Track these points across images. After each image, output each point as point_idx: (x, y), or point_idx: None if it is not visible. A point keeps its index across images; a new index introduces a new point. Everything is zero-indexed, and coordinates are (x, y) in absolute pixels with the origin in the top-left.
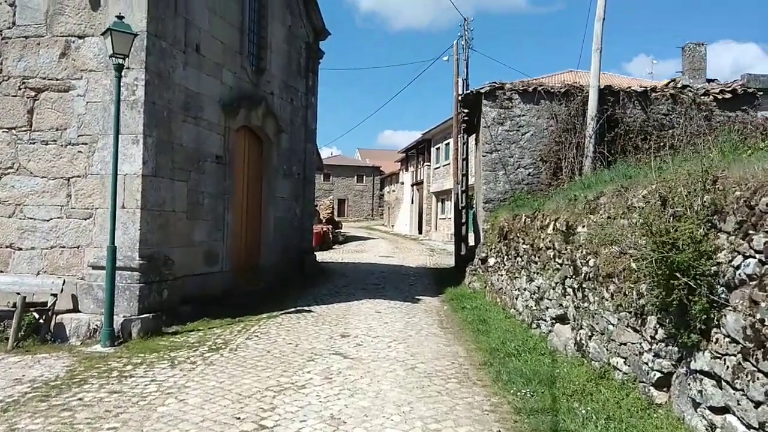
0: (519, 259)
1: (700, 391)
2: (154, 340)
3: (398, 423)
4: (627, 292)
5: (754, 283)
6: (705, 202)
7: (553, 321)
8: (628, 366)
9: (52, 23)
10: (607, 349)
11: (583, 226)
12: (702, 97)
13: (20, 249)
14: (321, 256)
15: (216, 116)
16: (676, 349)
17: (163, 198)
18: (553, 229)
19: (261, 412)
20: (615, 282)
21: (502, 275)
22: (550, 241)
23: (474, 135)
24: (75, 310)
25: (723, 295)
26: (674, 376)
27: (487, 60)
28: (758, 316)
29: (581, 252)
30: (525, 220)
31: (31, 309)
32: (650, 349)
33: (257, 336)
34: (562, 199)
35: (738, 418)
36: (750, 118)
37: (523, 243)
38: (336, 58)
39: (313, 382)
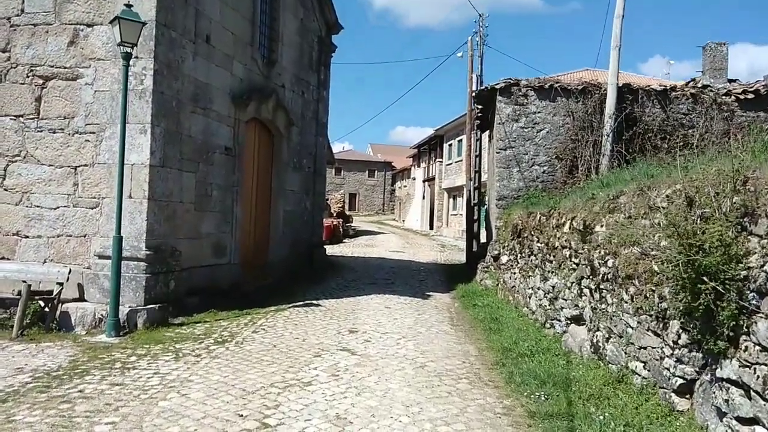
0: (533, 257)
1: (726, 401)
2: (160, 331)
3: (407, 425)
4: (648, 295)
5: None
6: (735, 203)
7: (568, 321)
8: (648, 371)
9: (60, 11)
10: (625, 353)
11: (602, 226)
12: (723, 97)
13: (27, 237)
14: (331, 250)
15: (226, 108)
16: (700, 355)
17: (170, 189)
18: (570, 228)
19: (264, 409)
20: (635, 284)
21: (515, 273)
22: (566, 240)
23: (488, 132)
24: (81, 299)
25: (754, 302)
26: (698, 383)
27: (501, 59)
28: None
29: (599, 252)
30: (540, 218)
31: (37, 297)
32: (672, 354)
33: (264, 329)
34: (579, 197)
35: None
36: None
37: (538, 241)
38: (349, 55)
39: (320, 379)
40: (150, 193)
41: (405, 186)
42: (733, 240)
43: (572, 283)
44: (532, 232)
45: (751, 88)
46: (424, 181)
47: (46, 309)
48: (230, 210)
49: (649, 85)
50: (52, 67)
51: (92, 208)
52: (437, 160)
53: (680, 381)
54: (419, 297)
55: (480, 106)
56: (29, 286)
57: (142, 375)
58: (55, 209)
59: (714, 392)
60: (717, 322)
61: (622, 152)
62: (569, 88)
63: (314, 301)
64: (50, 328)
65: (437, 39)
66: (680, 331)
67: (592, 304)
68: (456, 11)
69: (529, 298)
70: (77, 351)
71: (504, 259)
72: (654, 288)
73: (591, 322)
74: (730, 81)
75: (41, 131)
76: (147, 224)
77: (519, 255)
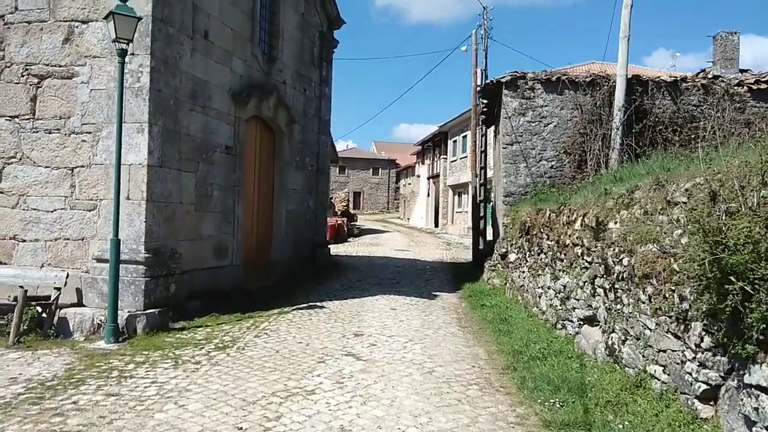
0: (543, 255)
1: (756, 408)
2: (160, 336)
3: None
4: (667, 295)
5: None
6: (764, 196)
7: (581, 322)
8: (668, 375)
9: (55, 8)
10: (643, 356)
11: (616, 222)
12: (735, 87)
13: (24, 241)
14: (335, 249)
15: (225, 105)
16: (725, 359)
17: (169, 189)
18: (581, 224)
19: (265, 421)
20: (653, 283)
21: (523, 272)
22: (577, 238)
23: (493, 127)
24: (79, 304)
25: None
26: (723, 389)
27: (506, 54)
28: None
29: (613, 250)
30: (549, 214)
31: (34, 303)
32: (694, 358)
33: (266, 334)
34: (591, 192)
35: None
36: None
37: (548, 239)
38: (352, 52)
39: (323, 387)
40: (148, 194)
41: (409, 184)
42: (763, 236)
43: (585, 282)
44: (542, 230)
45: (764, 78)
46: (428, 179)
47: (44, 315)
48: (231, 210)
49: (658, 77)
50: (47, 65)
51: (90, 211)
52: (442, 156)
53: (704, 387)
54: (425, 297)
55: (485, 101)
56: (26, 291)
57: (139, 384)
58: (52, 212)
59: (742, 399)
60: (745, 325)
61: (632, 146)
62: (577, 80)
63: (318, 303)
64: (48, 335)
65: (440, 35)
66: (703, 333)
67: (606, 305)
68: (459, 5)
69: (539, 297)
70: (74, 359)
71: (512, 257)
72: (674, 288)
73: (605, 324)
74: (742, 71)
75: (37, 132)
76: (146, 226)
77: (528, 253)
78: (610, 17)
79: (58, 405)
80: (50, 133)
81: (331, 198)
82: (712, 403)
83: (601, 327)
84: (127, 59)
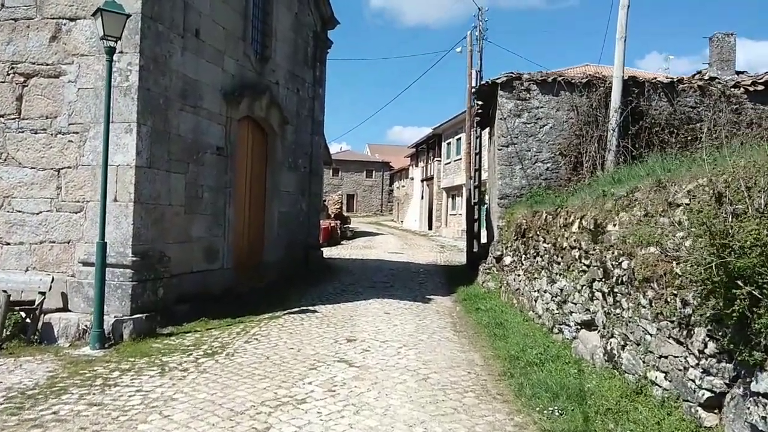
0: (539, 258)
1: (763, 417)
2: (147, 342)
3: None
4: (669, 299)
5: None
6: None
7: (578, 326)
8: (670, 382)
9: (42, 5)
10: (643, 362)
11: (615, 225)
12: (732, 89)
13: (8, 244)
14: (328, 252)
15: (217, 105)
16: (731, 366)
17: (158, 191)
18: (579, 227)
19: None
20: (654, 287)
21: (519, 275)
22: (575, 240)
23: (488, 129)
24: (65, 309)
25: None
26: (728, 396)
27: (500, 55)
28: None
29: (612, 253)
30: (546, 216)
31: (17, 308)
32: (698, 365)
33: (257, 339)
34: (589, 194)
35: None
36: None
37: (544, 242)
38: (346, 54)
39: (315, 396)
40: (136, 196)
41: (403, 186)
42: None
43: (582, 285)
44: (538, 232)
45: (761, 79)
46: (422, 181)
47: (28, 320)
48: (222, 212)
49: (655, 78)
50: (34, 64)
51: (76, 213)
52: (435, 159)
53: (708, 394)
54: (419, 301)
55: (480, 102)
56: (9, 296)
57: (123, 393)
58: (37, 214)
59: (748, 407)
60: (752, 331)
61: (628, 147)
62: (573, 81)
63: (310, 307)
64: (31, 341)
65: (435, 38)
66: (707, 339)
67: (605, 309)
68: (455, 5)
69: (535, 301)
70: (57, 366)
71: (507, 260)
72: (676, 292)
73: (604, 328)
74: (738, 73)
75: (23, 132)
76: (133, 229)
77: (524, 256)
78: (605, 20)
79: (37, 415)
80: (36, 133)
81: (325, 200)
82: (716, 411)
83: (599, 332)
84: (115, 57)
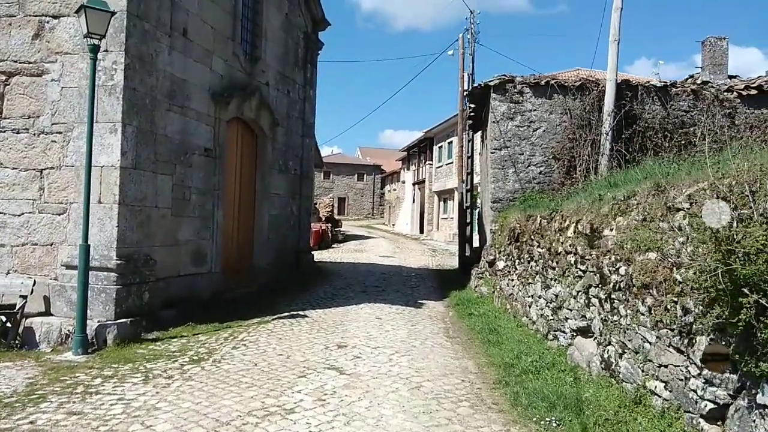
0: (533, 263)
1: None
2: (132, 347)
3: None
4: (669, 307)
5: None
6: None
7: (574, 333)
8: (670, 392)
9: (24, 2)
10: (642, 371)
11: (612, 229)
12: (725, 93)
13: None
14: (319, 255)
15: (205, 106)
16: (735, 377)
17: (144, 192)
18: (575, 231)
19: None
20: (653, 294)
21: (513, 280)
22: (570, 245)
23: (480, 132)
24: (47, 313)
25: None
26: (732, 408)
27: (492, 59)
28: None
29: (609, 258)
30: (540, 221)
31: None
32: (699, 375)
33: (245, 345)
34: (584, 198)
35: None
36: None
37: (538, 246)
38: (337, 56)
39: (304, 405)
40: (121, 198)
41: (394, 189)
42: None
43: (578, 291)
44: (532, 237)
45: (754, 84)
46: (414, 185)
47: (8, 324)
48: (211, 215)
49: (648, 81)
50: (16, 62)
51: (59, 215)
52: (427, 162)
53: (711, 405)
54: (412, 306)
55: (472, 105)
56: None
57: (104, 401)
58: (19, 216)
59: (754, 420)
60: (759, 341)
61: (622, 151)
62: (566, 84)
63: (300, 312)
64: (12, 346)
65: (426, 42)
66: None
67: (602, 316)
68: (446, 9)
69: (529, 306)
70: (38, 372)
71: (500, 264)
72: (676, 299)
73: (601, 335)
74: (731, 77)
75: (4, 131)
76: (118, 231)
77: (517, 261)
78: (595, 24)
79: (13, 425)
80: (18, 133)
81: (316, 203)
82: (719, 423)
83: (596, 339)
84: (100, 56)
